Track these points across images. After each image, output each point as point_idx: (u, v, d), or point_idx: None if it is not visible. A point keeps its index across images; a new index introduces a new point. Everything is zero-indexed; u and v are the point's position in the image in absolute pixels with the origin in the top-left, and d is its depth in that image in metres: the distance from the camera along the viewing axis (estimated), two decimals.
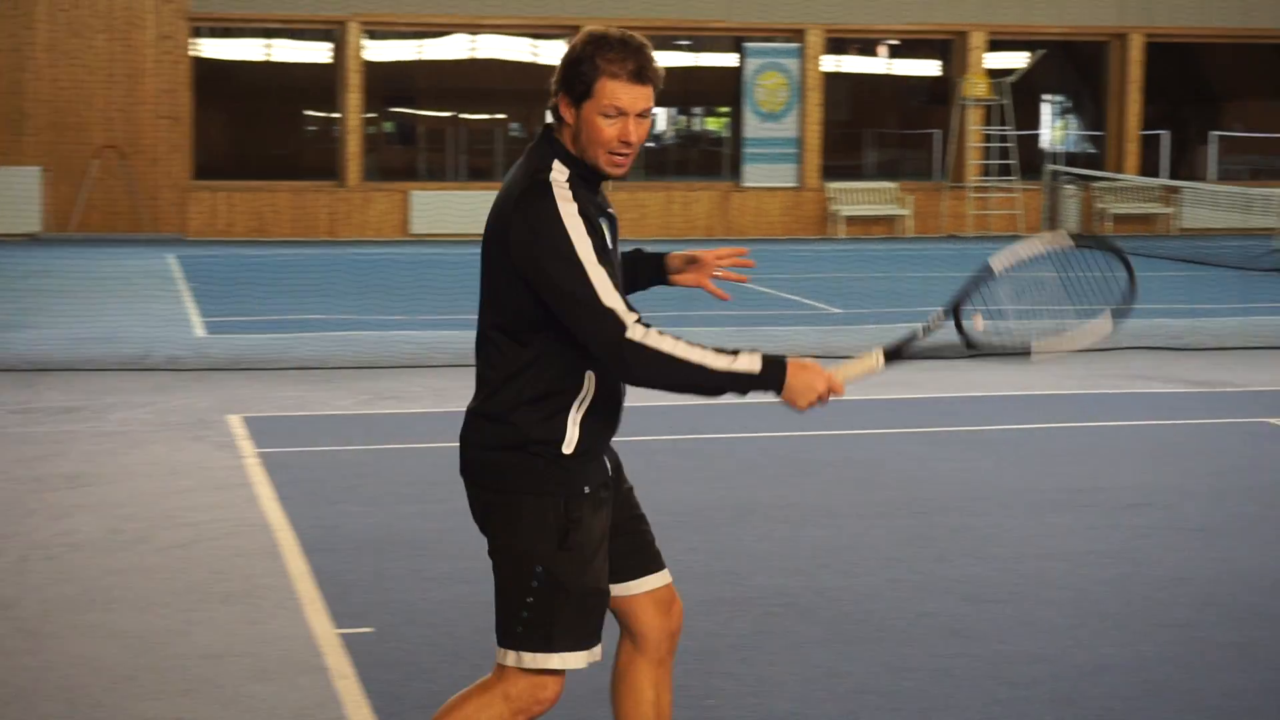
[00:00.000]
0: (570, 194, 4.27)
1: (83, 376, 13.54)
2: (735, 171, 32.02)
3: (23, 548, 8.16)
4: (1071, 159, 34.76)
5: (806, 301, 19.54)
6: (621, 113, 4.25)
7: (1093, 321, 4.61)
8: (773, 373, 4.25)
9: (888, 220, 32.07)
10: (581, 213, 4.25)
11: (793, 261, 25.27)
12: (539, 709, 4.47)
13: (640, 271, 4.82)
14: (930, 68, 34.95)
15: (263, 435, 11.07)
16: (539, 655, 4.42)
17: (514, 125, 33.36)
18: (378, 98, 31.87)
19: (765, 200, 31.52)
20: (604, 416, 4.44)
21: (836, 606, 7.27)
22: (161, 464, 10.19)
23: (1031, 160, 33.82)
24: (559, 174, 4.31)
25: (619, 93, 4.24)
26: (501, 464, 4.40)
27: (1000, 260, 4.57)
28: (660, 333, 4.22)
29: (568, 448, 4.36)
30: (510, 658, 4.44)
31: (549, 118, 4.41)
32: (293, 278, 22.08)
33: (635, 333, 4.20)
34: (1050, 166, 30.98)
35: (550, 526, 4.38)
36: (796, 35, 31.79)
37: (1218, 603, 7.42)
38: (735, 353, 4.25)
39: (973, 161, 32.46)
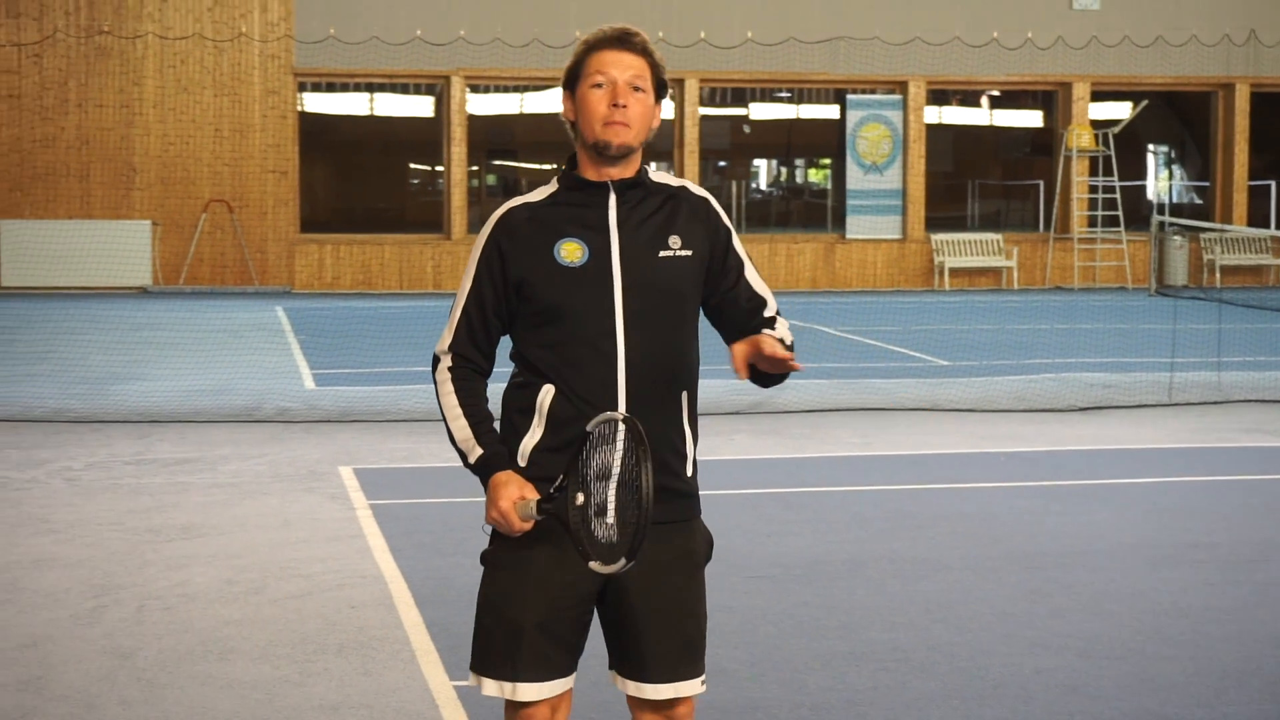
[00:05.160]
0: (501, 220, 4.30)
1: (195, 428, 13.69)
2: (839, 223, 32.00)
3: (140, 598, 8.24)
4: (1176, 209, 34.49)
5: (913, 354, 19.45)
6: (611, 81, 4.26)
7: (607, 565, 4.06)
8: (479, 472, 4.24)
9: (992, 272, 31.93)
10: (501, 234, 4.27)
11: (898, 313, 25.19)
12: None
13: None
14: (1033, 118, 34.82)
15: (374, 487, 11.15)
16: (471, 673, 4.42)
17: None
18: (480, 151, 32.15)
19: (869, 252, 31.47)
20: (560, 442, 4.21)
21: (951, 662, 7.20)
22: (274, 515, 10.28)
23: (1136, 210, 33.59)
24: (528, 196, 4.36)
25: (604, 59, 4.27)
26: None
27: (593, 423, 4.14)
28: (451, 381, 4.29)
29: (521, 459, 4.27)
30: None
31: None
32: (399, 330, 22.24)
33: (436, 365, 4.35)
34: (1157, 217, 30.75)
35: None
36: (898, 87, 31.79)
37: None
38: (485, 436, 4.24)
39: (1078, 213, 32.27)
